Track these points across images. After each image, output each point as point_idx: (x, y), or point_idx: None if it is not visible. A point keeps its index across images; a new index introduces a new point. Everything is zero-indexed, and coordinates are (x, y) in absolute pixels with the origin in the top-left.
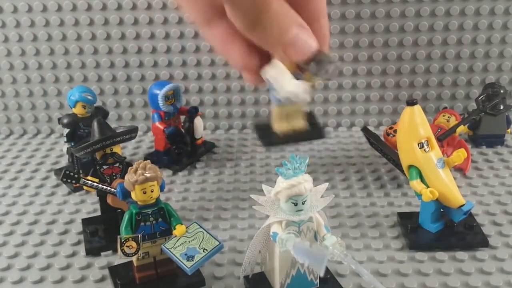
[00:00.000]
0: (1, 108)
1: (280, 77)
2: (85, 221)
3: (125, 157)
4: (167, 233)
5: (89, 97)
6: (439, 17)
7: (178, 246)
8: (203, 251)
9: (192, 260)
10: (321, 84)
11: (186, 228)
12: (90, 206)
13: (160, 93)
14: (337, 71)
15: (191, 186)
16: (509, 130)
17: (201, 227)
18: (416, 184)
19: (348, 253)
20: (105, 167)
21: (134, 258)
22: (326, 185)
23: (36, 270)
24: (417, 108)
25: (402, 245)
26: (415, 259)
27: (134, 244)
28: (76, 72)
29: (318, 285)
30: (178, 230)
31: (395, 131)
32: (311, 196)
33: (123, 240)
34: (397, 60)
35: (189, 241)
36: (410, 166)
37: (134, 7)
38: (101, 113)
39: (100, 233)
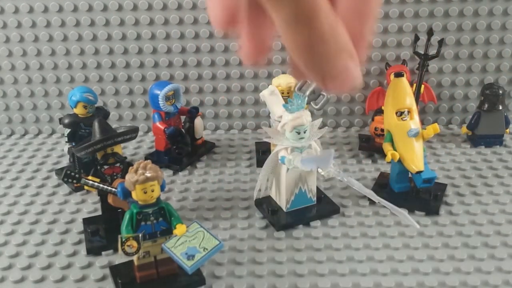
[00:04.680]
0: (3, 108)
1: (274, 102)
2: (86, 221)
3: (125, 157)
4: (168, 232)
5: (90, 98)
6: (438, 18)
7: (179, 245)
8: (204, 250)
9: (193, 259)
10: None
11: (187, 227)
12: (91, 205)
13: (161, 93)
14: (327, 102)
15: (192, 185)
16: (507, 130)
17: (201, 226)
18: (386, 145)
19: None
20: (106, 167)
21: (134, 258)
22: (320, 120)
23: (37, 269)
24: (404, 80)
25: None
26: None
27: (134, 243)
28: (77, 73)
29: (315, 202)
30: (179, 229)
31: (382, 130)
32: (310, 127)
33: (123, 240)
34: (396, 61)
35: (189, 241)
36: (388, 130)
37: (135, 8)
38: (102, 113)
39: (101, 232)
